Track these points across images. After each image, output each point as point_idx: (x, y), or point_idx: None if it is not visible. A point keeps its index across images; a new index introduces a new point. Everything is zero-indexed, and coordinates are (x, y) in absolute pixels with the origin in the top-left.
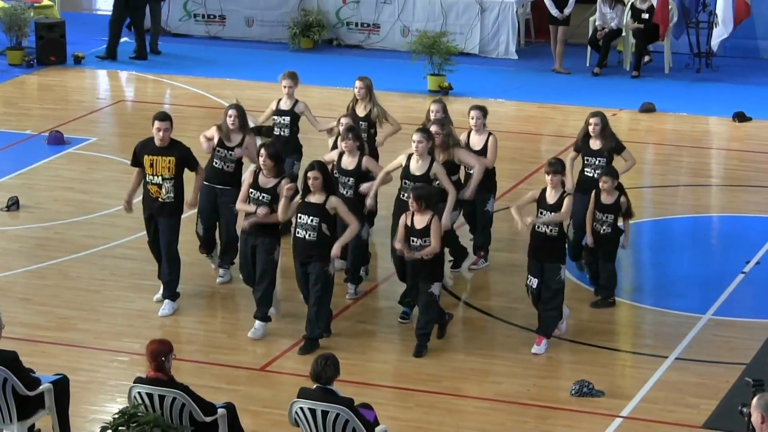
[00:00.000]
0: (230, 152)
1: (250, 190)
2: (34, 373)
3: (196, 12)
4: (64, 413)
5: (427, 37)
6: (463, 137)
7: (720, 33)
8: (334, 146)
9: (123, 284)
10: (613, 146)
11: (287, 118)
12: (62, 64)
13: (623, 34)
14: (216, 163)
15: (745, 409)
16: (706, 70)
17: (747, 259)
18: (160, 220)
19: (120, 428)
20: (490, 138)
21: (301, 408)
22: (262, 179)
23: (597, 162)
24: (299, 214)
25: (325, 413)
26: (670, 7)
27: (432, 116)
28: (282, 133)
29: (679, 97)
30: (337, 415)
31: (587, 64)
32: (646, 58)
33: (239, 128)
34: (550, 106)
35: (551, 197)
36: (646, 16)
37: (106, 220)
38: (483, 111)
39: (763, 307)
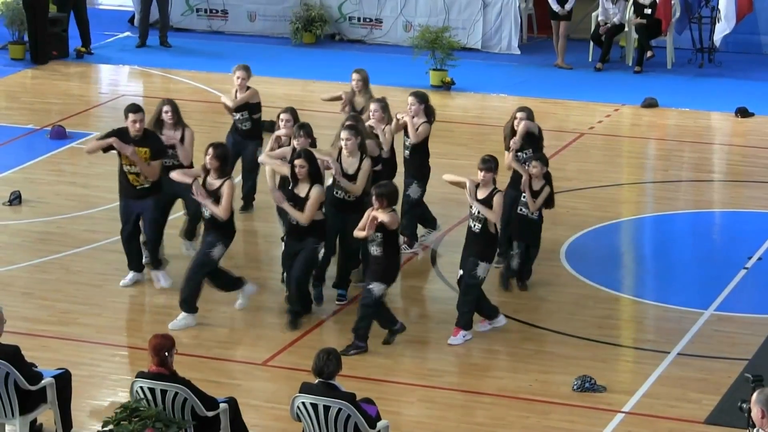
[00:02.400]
0: (171, 150)
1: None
2: (36, 367)
3: (199, 6)
4: (65, 408)
5: (429, 32)
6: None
7: (722, 28)
8: (277, 142)
9: None
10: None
11: (245, 112)
12: (64, 59)
13: (626, 29)
14: (166, 162)
15: (744, 405)
16: (709, 66)
17: (749, 255)
18: (143, 202)
19: (122, 422)
20: (422, 126)
21: (303, 403)
22: (209, 181)
23: (525, 155)
24: (291, 202)
25: (327, 408)
26: (672, 2)
27: (371, 115)
28: (243, 127)
29: (682, 93)
30: (339, 409)
31: (590, 60)
32: (649, 54)
33: (175, 124)
34: (553, 101)
35: (482, 193)
36: (648, 11)
37: (108, 215)
38: (419, 97)
39: (765, 302)
